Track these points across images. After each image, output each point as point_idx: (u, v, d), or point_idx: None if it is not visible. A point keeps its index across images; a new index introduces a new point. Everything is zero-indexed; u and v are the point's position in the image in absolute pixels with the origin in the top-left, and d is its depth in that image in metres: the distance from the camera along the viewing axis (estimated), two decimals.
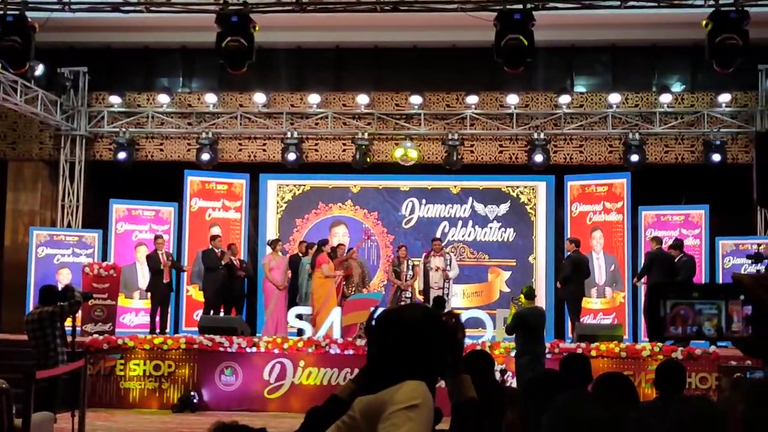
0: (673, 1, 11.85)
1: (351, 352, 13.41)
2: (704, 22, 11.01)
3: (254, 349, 13.65)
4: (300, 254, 16.12)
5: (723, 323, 1.51)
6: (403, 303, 15.09)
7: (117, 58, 18.64)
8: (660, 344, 13.44)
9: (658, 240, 15.18)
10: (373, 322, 2.56)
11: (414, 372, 2.34)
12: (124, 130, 17.77)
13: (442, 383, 2.56)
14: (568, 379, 5.01)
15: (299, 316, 14.80)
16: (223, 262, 15.51)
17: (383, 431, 2.07)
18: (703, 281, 16.23)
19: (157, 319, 15.42)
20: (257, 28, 11.36)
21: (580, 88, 18.39)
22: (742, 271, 15.74)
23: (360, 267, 15.83)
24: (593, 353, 13.03)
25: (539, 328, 11.80)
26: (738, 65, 10.98)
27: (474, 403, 2.69)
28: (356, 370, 2.74)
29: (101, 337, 13.94)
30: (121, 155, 17.51)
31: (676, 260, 14.66)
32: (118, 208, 17.42)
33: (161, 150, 18.10)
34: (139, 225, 17.47)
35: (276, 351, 13.61)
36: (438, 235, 17.11)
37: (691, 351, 13.08)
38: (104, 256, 17.06)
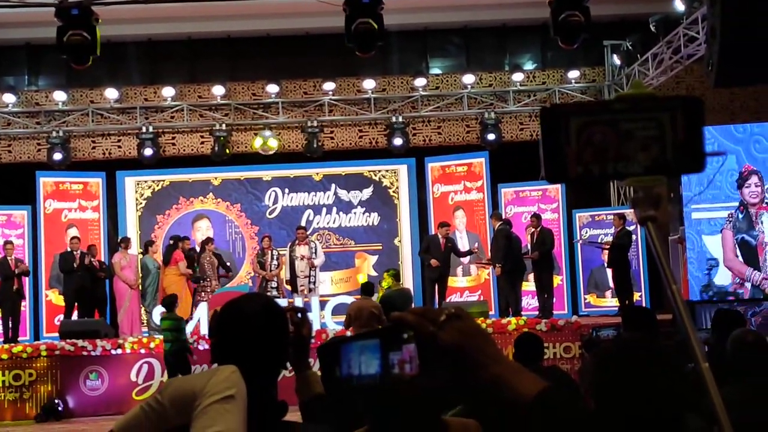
0: None
1: None
2: (548, 0, 11.28)
3: (119, 351, 13.30)
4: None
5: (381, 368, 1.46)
6: (268, 293, 15.01)
7: None
8: (524, 318, 13.79)
9: (498, 216, 15.49)
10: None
11: (250, 361, 2.28)
12: None
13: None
14: None
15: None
16: (75, 264, 14.98)
17: (199, 428, 1.98)
18: (562, 254, 16.73)
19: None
20: (100, 21, 11.01)
21: (435, 71, 18.60)
22: (599, 240, 16.33)
23: (214, 259, 15.48)
24: None
25: (406, 309, 11.91)
26: (582, 41, 11.29)
27: (321, 398, 2.67)
28: None
29: None
30: None
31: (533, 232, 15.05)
32: None
33: (9, 152, 17.40)
34: None
35: (143, 351, 13.30)
36: (303, 223, 17.03)
37: (554, 322, 13.44)
38: None
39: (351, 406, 2.72)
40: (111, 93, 17.13)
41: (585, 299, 17.04)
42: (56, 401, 12.97)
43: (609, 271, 15.65)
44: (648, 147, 1.22)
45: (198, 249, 15.79)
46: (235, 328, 2.42)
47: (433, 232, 15.86)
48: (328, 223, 17.72)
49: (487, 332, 1.49)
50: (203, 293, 15.00)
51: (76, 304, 15.05)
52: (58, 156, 16.83)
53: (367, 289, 11.97)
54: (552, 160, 1.28)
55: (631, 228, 15.35)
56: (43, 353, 13.19)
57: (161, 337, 13.59)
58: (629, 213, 15.42)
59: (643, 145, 1.22)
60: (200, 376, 2.10)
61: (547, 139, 1.27)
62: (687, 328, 1.18)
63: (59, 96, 17.16)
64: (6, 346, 13.58)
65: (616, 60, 17.21)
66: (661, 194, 1.26)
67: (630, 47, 16.75)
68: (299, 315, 2.63)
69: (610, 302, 16.36)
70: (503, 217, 15.79)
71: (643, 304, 15.97)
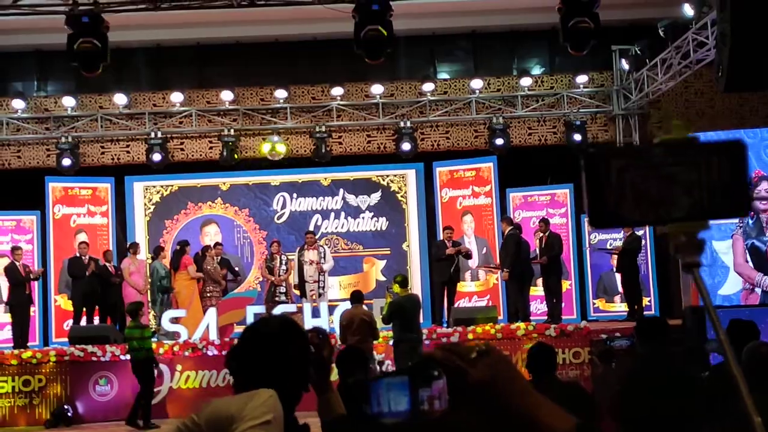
0: None
1: None
2: (558, 7, 11.27)
3: (129, 357, 13.30)
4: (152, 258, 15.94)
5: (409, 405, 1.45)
6: (277, 298, 15.03)
7: None
8: (533, 324, 13.79)
9: (509, 221, 15.48)
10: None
11: (272, 384, 2.27)
12: None
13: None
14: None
15: (173, 320, 14.44)
16: (88, 270, 14.98)
17: None
18: (571, 259, 16.70)
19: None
20: (109, 28, 11.04)
21: (443, 75, 18.59)
22: (608, 245, 16.30)
23: (216, 264, 15.43)
24: (470, 336, 13.25)
25: (415, 315, 11.94)
26: (591, 47, 11.28)
27: (343, 419, 2.66)
28: None
29: None
30: None
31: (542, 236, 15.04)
32: None
33: (18, 157, 17.43)
34: None
35: None
36: (311, 228, 17.05)
37: (564, 327, 13.45)
38: None
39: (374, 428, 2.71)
40: (120, 99, 17.14)
41: (594, 304, 17.01)
42: (66, 407, 13.01)
43: (618, 276, 15.63)
44: (690, 191, 1.22)
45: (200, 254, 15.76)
46: (256, 351, 2.42)
47: (441, 237, 15.87)
48: (336, 228, 17.72)
49: (515, 367, 1.49)
50: (211, 299, 14.99)
51: (84, 309, 15.07)
52: (67, 161, 16.85)
53: (357, 297, 11.99)
54: (596, 205, 1.27)
55: (640, 233, 15.31)
56: (53, 359, 13.24)
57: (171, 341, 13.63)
58: None
59: (685, 190, 1.22)
60: (238, 399, 2.10)
61: (590, 184, 1.26)
62: (735, 375, 1.17)
63: (68, 102, 17.18)
64: (16, 351, 13.61)
65: (625, 65, 17.18)
66: (704, 240, 1.25)
67: (638, 52, 16.72)
68: (320, 336, 2.62)
69: (619, 307, 16.33)
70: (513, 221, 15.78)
71: (652, 309, 15.97)
